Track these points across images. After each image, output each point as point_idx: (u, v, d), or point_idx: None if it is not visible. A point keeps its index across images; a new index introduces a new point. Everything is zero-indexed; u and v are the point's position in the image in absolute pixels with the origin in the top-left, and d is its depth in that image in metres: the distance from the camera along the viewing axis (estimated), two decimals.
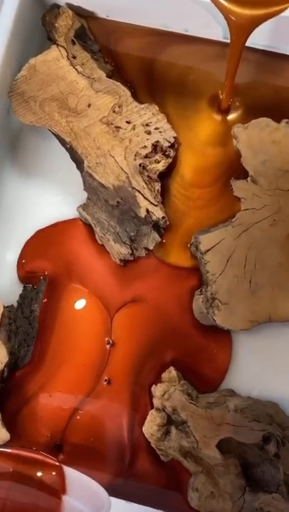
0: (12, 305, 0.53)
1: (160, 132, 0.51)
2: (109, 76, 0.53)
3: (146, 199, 0.49)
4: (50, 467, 0.47)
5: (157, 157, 0.51)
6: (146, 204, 0.49)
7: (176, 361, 0.51)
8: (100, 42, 0.55)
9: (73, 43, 0.53)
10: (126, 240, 0.50)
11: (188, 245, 0.51)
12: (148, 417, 0.49)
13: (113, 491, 0.48)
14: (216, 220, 0.51)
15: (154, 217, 0.49)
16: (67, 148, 0.52)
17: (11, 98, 0.51)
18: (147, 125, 0.51)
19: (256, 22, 0.42)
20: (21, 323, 0.52)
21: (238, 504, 0.46)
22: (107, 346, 0.51)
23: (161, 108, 0.52)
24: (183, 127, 0.53)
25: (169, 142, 0.51)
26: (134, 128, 0.51)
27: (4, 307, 0.51)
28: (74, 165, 0.52)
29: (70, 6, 0.54)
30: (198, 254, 0.50)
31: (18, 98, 0.52)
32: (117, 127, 0.51)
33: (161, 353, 0.51)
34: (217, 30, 0.52)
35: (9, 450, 0.48)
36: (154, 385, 0.50)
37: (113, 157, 0.50)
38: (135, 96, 0.52)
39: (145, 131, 0.51)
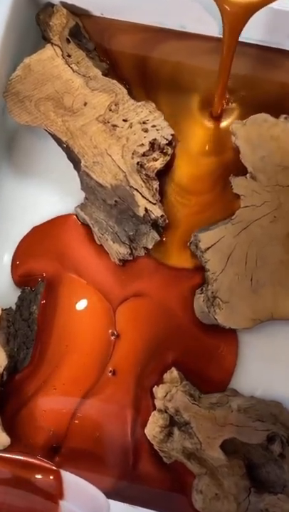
0: (10, 307, 0.52)
1: (157, 130, 0.50)
2: (104, 74, 0.52)
3: (145, 198, 0.49)
4: (48, 472, 0.47)
5: (155, 155, 0.50)
6: (145, 203, 0.49)
7: (181, 362, 0.50)
8: (94, 40, 0.54)
9: (68, 41, 0.52)
10: (125, 239, 0.50)
11: (188, 244, 0.51)
12: (150, 419, 0.48)
13: (116, 494, 0.48)
14: (216, 219, 0.51)
15: (152, 216, 0.49)
16: (63, 148, 0.52)
17: (6, 98, 0.51)
18: (144, 123, 0.50)
19: (251, 10, 0.41)
20: (20, 325, 0.51)
21: (243, 505, 0.46)
22: (112, 338, 0.51)
23: (158, 106, 0.51)
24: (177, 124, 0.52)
25: (167, 140, 0.50)
26: (131, 126, 0.50)
27: (2, 310, 0.51)
28: (71, 165, 0.52)
29: (64, 5, 0.53)
30: (198, 253, 0.49)
31: (13, 98, 0.51)
32: (114, 125, 0.50)
33: (163, 354, 0.51)
34: (213, 27, 0.51)
35: (6, 455, 0.47)
36: (155, 386, 0.49)
37: (110, 156, 0.50)
38: (131, 94, 0.52)
39: (142, 129, 0.50)
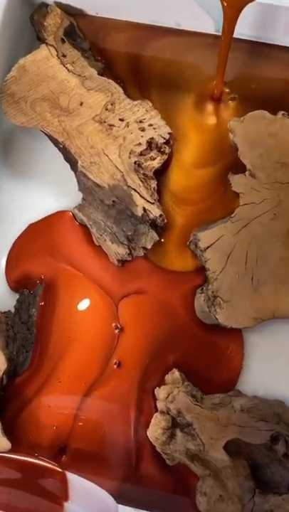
0: (9, 311, 0.52)
1: (154, 129, 0.50)
2: (100, 74, 0.52)
3: (143, 197, 0.48)
4: (53, 473, 0.46)
5: (152, 154, 0.50)
6: (143, 202, 0.48)
7: (184, 363, 0.50)
8: (89, 39, 0.54)
9: (63, 41, 0.52)
10: (123, 240, 0.49)
11: (188, 243, 0.50)
12: (152, 421, 0.48)
13: (119, 497, 0.47)
14: (215, 218, 0.50)
15: (151, 216, 0.48)
16: (60, 149, 0.51)
17: (1, 99, 0.51)
18: (141, 122, 0.50)
19: None
20: (19, 328, 0.51)
21: (248, 507, 0.45)
22: (116, 331, 0.50)
23: (154, 104, 0.51)
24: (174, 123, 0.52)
25: (164, 138, 0.50)
26: (127, 125, 0.50)
27: (1, 313, 0.50)
28: (68, 165, 0.52)
29: (59, 5, 0.53)
30: (198, 252, 0.49)
31: (8, 99, 0.51)
32: (111, 125, 0.50)
33: (166, 354, 0.50)
34: (208, 23, 0.51)
35: (11, 455, 0.47)
36: (157, 388, 0.49)
37: (107, 156, 0.49)
38: (127, 93, 0.51)
39: (139, 128, 0.50)
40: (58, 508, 0.44)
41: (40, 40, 0.52)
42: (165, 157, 0.50)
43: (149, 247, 0.49)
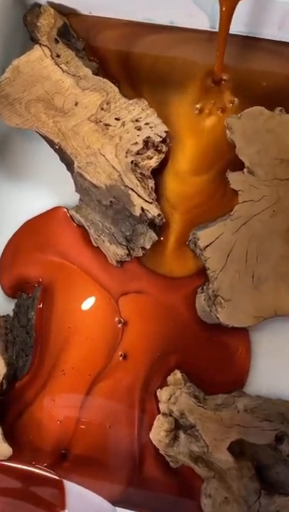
0: (8, 314, 0.51)
1: (151, 127, 0.49)
2: (95, 73, 0.51)
3: (140, 197, 0.48)
4: (50, 482, 0.46)
5: (149, 153, 0.49)
6: (141, 202, 0.48)
7: (188, 364, 0.49)
8: (82, 39, 0.53)
9: (56, 41, 0.52)
10: (122, 240, 0.49)
11: (187, 242, 0.50)
12: (155, 423, 0.47)
13: (123, 501, 0.47)
14: (214, 216, 0.50)
15: (149, 215, 0.48)
16: (56, 150, 0.51)
17: None
18: (137, 121, 0.49)
19: None
20: (18, 332, 0.50)
21: (254, 508, 0.45)
22: (119, 325, 0.50)
23: (150, 103, 0.50)
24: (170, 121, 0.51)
25: (161, 137, 0.49)
26: (123, 124, 0.49)
27: (0, 317, 0.50)
28: (64, 166, 0.51)
29: (52, 4, 0.53)
30: (198, 251, 0.48)
31: (2, 101, 0.50)
32: (106, 125, 0.49)
33: (168, 355, 0.50)
34: (203, 20, 0.51)
35: (8, 463, 0.46)
36: (159, 389, 0.48)
37: (104, 156, 0.49)
38: (122, 92, 0.51)
39: (135, 127, 0.49)
40: None
41: (34, 40, 0.52)
42: (162, 156, 0.49)
43: (148, 246, 0.49)
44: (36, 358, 0.50)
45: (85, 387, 0.49)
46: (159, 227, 0.50)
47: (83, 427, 0.49)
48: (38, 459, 0.49)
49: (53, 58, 0.51)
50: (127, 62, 0.53)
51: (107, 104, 0.50)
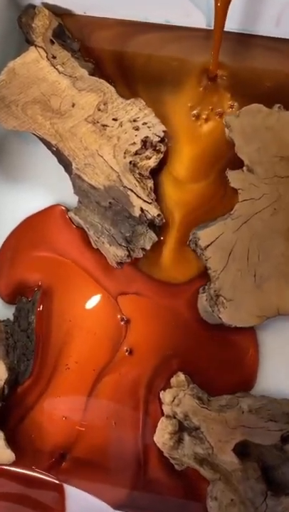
0: (8, 319, 0.51)
1: (149, 127, 0.49)
2: (91, 74, 0.51)
3: (140, 197, 0.47)
4: (50, 486, 0.46)
5: (148, 153, 0.49)
6: (140, 203, 0.47)
7: (193, 366, 0.49)
8: (76, 39, 0.53)
9: (52, 42, 0.51)
10: (121, 241, 0.48)
11: (188, 242, 0.49)
12: (158, 426, 0.46)
13: (128, 505, 0.47)
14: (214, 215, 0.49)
15: (149, 216, 0.47)
16: (53, 152, 0.50)
17: None
18: (135, 121, 0.49)
19: None
20: (19, 337, 0.50)
21: (261, 510, 0.44)
22: (122, 323, 0.50)
23: (146, 102, 0.50)
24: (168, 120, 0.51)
25: (159, 137, 0.49)
26: (121, 125, 0.49)
27: (0, 321, 0.49)
28: (62, 168, 0.51)
29: (46, 5, 0.52)
30: (198, 251, 0.48)
31: None
32: (104, 125, 0.49)
33: (172, 357, 0.49)
34: (199, 19, 0.50)
35: (8, 468, 0.46)
36: (162, 391, 0.47)
37: (102, 156, 0.48)
38: (119, 92, 0.50)
39: (133, 128, 0.49)
40: None
41: (29, 42, 0.52)
42: (161, 156, 0.49)
43: (148, 247, 0.48)
44: (38, 360, 0.50)
45: (90, 382, 0.49)
46: (159, 228, 0.49)
47: (88, 423, 0.49)
48: (41, 461, 0.49)
49: (48, 59, 0.50)
50: (122, 62, 0.52)
51: (104, 104, 0.49)
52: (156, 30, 0.52)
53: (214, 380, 0.48)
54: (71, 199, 0.50)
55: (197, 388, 0.47)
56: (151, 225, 0.48)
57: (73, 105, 0.49)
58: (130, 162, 0.48)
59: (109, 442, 0.49)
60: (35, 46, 0.51)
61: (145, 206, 0.47)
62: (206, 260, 0.47)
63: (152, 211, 0.47)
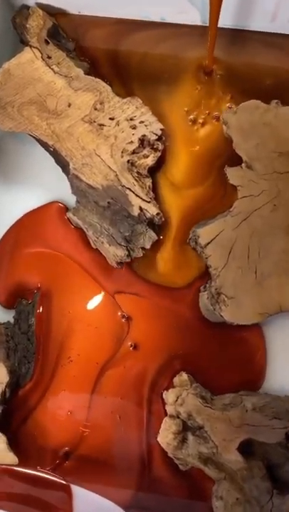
0: (8, 321, 0.50)
1: (146, 126, 0.48)
2: (87, 73, 0.50)
3: (138, 196, 0.47)
4: (58, 486, 0.46)
5: (145, 152, 0.48)
6: (139, 202, 0.47)
7: (197, 364, 0.49)
8: (72, 39, 0.53)
9: (47, 42, 0.51)
10: (121, 241, 0.48)
11: (188, 240, 0.49)
12: (162, 426, 0.46)
13: (133, 506, 0.46)
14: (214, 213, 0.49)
15: (148, 215, 0.47)
16: (50, 152, 0.50)
17: None
18: (132, 119, 0.49)
19: None
20: (20, 339, 0.49)
21: (267, 508, 0.44)
22: (123, 320, 0.50)
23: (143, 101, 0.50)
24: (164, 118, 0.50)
25: (156, 135, 0.48)
26: (118, 124, 0.48)
27: (0, 324, 0.49)
28: (59, 169, 0.50)
29: (40, 5, 0.52)
30: (199, 249, 0.47)
31: None
32: (101, 125, 0.49)
33: (175, 357, 0.49)
34: (194, 15, 0.50)
35: (16, 469, 0.46)
36: (165, 391, 0.47)
37: (99, 156, 0.48)
38: (115, 91, 0.50)
39: (130, 126, 0.48)
40: None
41: (24, 42, 0.51)
42: (158, 154, 0.49)
43: (148, 246, 0.48)
44: (39, 362, 0.49)
45: (94, 375, 0.49)
46: (159, 227, 0.49)
47: (93, 417, 0.49)
48: (46, 460, 0.49)
49: (43, 60, 0.50)
50: (118, 60, 0.52)
51: (100, 103, 0.49)
52: (151, 28, 0.52)
53: (220, 379, 0.48)
54: (69, 199, 0.50)
55: (200, 387, 0.47)
56: (151, 223, 0.48)
57: (69, 105, 0.49)
58: (128, 161, 0.48)
59: (114, 440, 0.48)
60: (30, 47, 0.50)
61: (144, 205, 0.47)
62: (207, 258, 0.46)
63: (151, 210, 0.47)
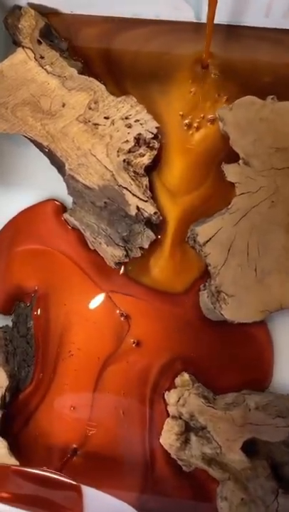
0: (7, 325, 0.50)
1: (141, 124, 0.48)
2: (80, 73, 0.50)
3: (135, 196, 0.47)
4: (67, 487, 0.45)
5: (141, 150, 0.48)
6: (136, 201, 0.47)
7: (200, 364, 0.48)
8: (64, 39, 0.52)
9: (39, 42, 0.50)
10: (119, 241, 0.47)
11: (186, 239, 0.48)
12: (164, 427, 0.46)
13: (137, 509, 0.46)
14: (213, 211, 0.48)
15: (145, 214, 0.47)
16: (45, 153, 0.49)
17: None
18: (127, 118, 0.48)
19: None
20: (18, 343, 0.49)
21: (272, 508, 0.43)
22: (121, 318, 0.49)
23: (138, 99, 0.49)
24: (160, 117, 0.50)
25: (152, 133, 0.48)
26: (113, 123, 0.48)
27: None
28: (55, 169, 0.50)
29: (32, 5, 0.51)
30: (197, 247, 0.47)
31: None
32: (96, 124, 0.48)
33: (180, 356, 0.49)
34: (188, 12, 0.49)
35: (25, 469, 0.46)
36: (166, 392, 0.47)
37: (95, 156, 0.47)
38: (109, 90, 0.49)
39: (125, 125, 0.48)
40: None
41: (16, 43, 0.51)
42: (154, 152, 0.48)
43: (146, 246, 0.48)
44: (39, 363, 0.49)
45: (96, 370, 0.49)
46: (156, 226, 0.49)
47: (96, 413, 0.48)
48: (49, 461, 0.48)
49: (36, 60, 0.50)
50: (111, 59, 0.52)
51: (95, 103, 0.49)
52: (144, 26, 0.51)
53: (225, 379, 0.48)
54: (65, 200, 0.50)
55: (202, 387, 0.46)
56: (148, 223, 0.48)
57: (64, 105, 0.49)
58: (124, 160, 0.47)
59: (118, 437, 0.48)
60: (23, 47, 0.50)
61: (141, 204, 0.47)
62: (206, 256, 0.46)
63: (149, 209, 0.47)
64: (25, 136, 0.49)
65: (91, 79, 0.49)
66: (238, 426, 0.44)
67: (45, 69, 0.49)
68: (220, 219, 0.46)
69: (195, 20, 0.50)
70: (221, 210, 0.47)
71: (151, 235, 0.47)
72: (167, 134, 0.50)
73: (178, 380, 0.47)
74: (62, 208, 0.51)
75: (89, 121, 0.48)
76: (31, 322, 0.49)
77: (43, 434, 0.49)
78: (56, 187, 0.50)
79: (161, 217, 0.48)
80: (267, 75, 0.50)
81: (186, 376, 0.47)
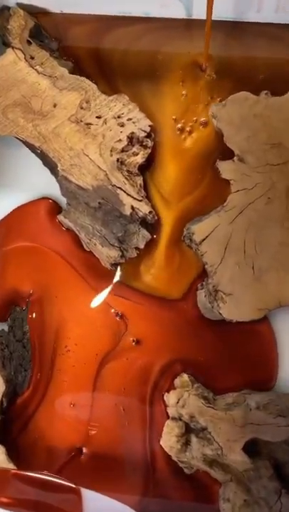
0: (3, 329, 0.49)
1: (134, 123, 0.47)
2: (71, 72, 0.49)
3: (130, 195, 0.46)
4: (67, 490, 0.45)
5: (135, 149, 0.47)
6: (130, 201, 0.46)
7: (201, 364, 0.48)
8: (54, 39, 0.52)
9: (29, 43, 0.50)
10: (114, 242, 0.47)
11: (182, 238, 0.48)
12: (164, 429, 0.45)
13: (138, 511, 0.45)
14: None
15: (140, 214, 0.46)
16: (37, 154, 0.49)
17: None
18: (119, 117, 0.48)
19: None
20: (15, 347, 0.48)
21: (275, 509, 0.43)
22: (117, 318, 0.49)
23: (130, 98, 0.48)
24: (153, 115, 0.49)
25: (145, 132, 0.47)
26: (105, 122, 0.47)
27: None
28: (48, 171, 0.49)
29: (21, 6, 0.51)
30: (194, 246, 0.46)
31: None
32: (88, 124, 0.48)
33: (181, 357, 0.48)
34: (179, 9, 0.49)
35: (25, 473, 0.45)
36: (166, 393, 0.46)
37: (87, 156, 0.47)
38: (100, 89, 0.49)
39: (118, 124, 0.47)
40: None
41: (6, 44, 0.50)
42: (148, 151, 0.48)
43: (141, 246, 0.47)
44: (36, 366, 0.48)
45: (94, 367, 0.48)
46: (151, 225, 0.48)
47: (97, 411, 0.48)
48: (49, 464, 0.48)
49: (26, 61, 0.49)
50: (101, 58, 0.51)
51: (86, 102, 0.48)
52: (134, 23, 0.51)
53: (226, 379, 0.47)
54: (59, 201, 0.49)
55: (202, 388, 0.46)
56: (144, 222, 0.47)
57: (55, 105, 0.48)
58: (117, 160, 0.47)
59: (119, 435, 0.48)
60: (13, 48, 0.49)
61: (136, 204, 0.46)
62: (202, 255, 0.45)
63: (143, 208, 0.46)
64: (17, 138, 0.48)
65: (82, 78, 0.49)
66: (239, 426, 0.43)
67: (35, 69, 0.49)
68: (216, 217, 0.46)
69: (185, 17, 0.50)
70: (216, 207, 0.47)
71: (147, 234, 0.47)
72: (160, 133, 0.49)
73: (177, 381, 0.47)
74: (57, 207, 0.50)
75: (81, 121, 0.48)
76: (27, 326, 0.48)
77: (42, 436, 0.48)
78: (49, 188, 0.49)
79: (156, 217, 0.47)
80: (261, 72, 0.49)
81: (185, 377, 0.46)
